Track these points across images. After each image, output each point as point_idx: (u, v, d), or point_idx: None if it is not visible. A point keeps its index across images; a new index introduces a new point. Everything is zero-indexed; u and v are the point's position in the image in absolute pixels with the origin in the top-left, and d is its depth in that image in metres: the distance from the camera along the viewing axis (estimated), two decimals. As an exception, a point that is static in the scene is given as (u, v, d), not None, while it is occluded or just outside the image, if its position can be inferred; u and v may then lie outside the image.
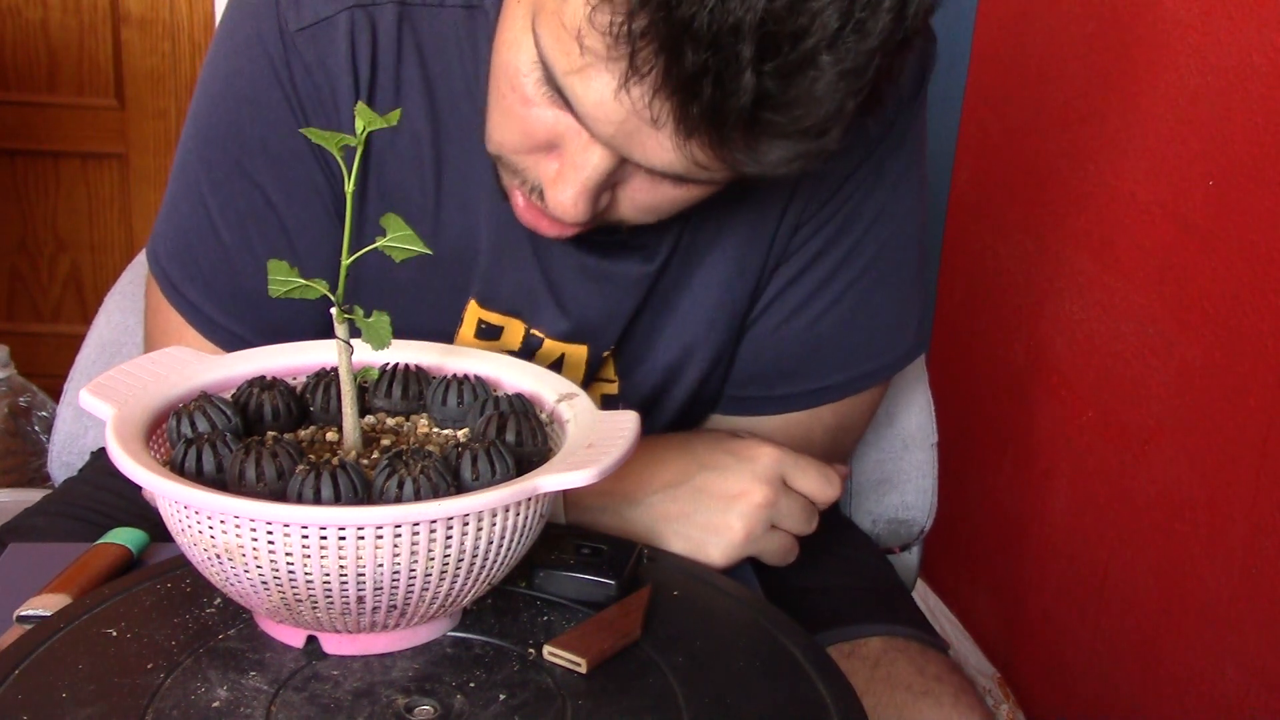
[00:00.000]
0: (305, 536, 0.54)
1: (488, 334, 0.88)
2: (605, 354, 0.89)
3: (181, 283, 0.87)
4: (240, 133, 0.84)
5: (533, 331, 0.88)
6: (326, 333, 0.78)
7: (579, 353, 0.89)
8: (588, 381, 0.91)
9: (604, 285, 0.86)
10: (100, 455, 1.08)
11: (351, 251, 0.61)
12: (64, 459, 1.11)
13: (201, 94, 0.87)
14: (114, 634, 0.62)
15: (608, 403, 0.92)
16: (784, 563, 0.85)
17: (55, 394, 1.30)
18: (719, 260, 0.89)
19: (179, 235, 0.87)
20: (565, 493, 0.80)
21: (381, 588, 0.56)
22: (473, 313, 0.87)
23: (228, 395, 0.66)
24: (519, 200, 0.76)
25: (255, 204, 0.84)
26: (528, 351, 0.88)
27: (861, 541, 1.09)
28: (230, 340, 0.85)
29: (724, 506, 0.81)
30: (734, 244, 0.89)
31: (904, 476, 1.13)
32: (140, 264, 1.24)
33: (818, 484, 0.84)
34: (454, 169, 0.83)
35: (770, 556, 0.84)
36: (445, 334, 0.87)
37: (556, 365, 0.89)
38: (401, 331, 0.73)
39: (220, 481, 0.58)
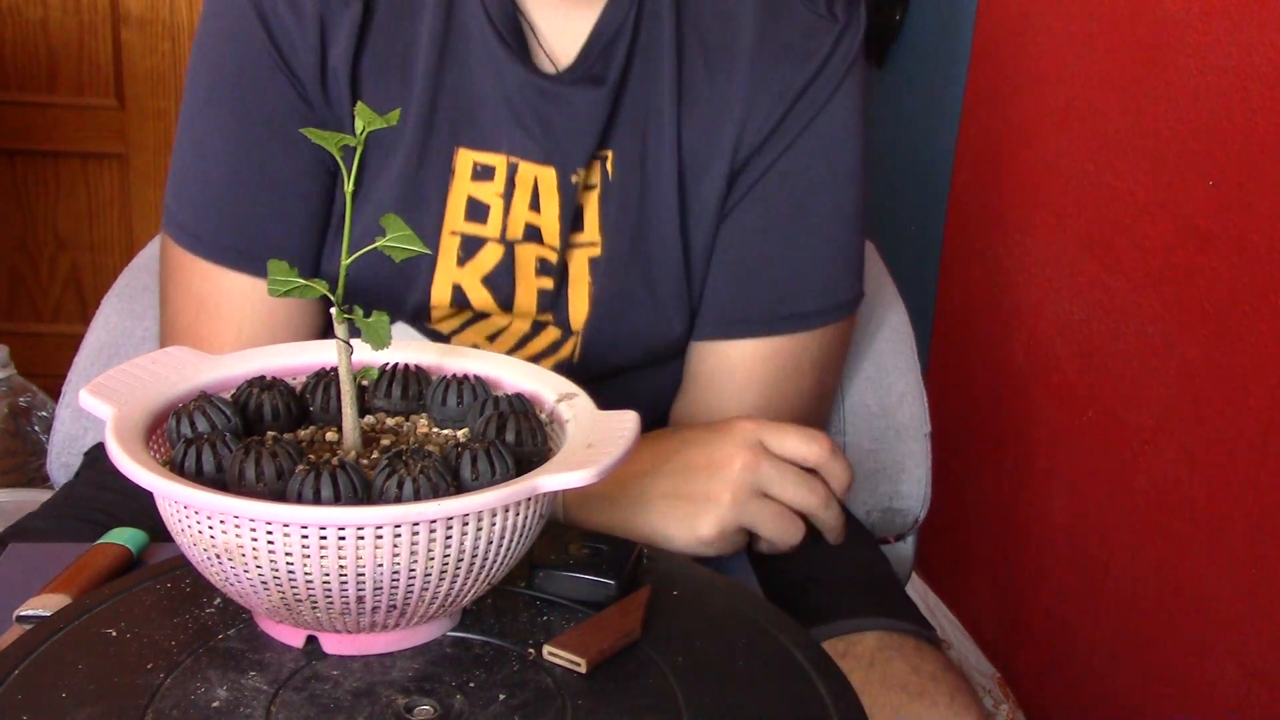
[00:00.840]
0: (305, 536, 0.54)
1: (482, 175, 0.96)
2: (574, 178, 0.96)
3: (185, 216, 0.96)
4: (219, 62, 0.95)
5: (510, 159, 0.96)
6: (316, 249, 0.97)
7: (549, 176, 0.96)
8: (567, 230, 0.97)
9: (562, 107, 0.95)
10: (96, 456, 1.08)
11: (351, 253, 0.61)
12: (63, 460, 1.11)
13: (192, 54, 0.98)
14: (114, 634, 0.62)
15: (593, 265, 0.99)
16: (785, 541, 0.86)
17: (55, 394, 1.30)
18: (682, 143, 0.98)
19: (177, 176, 0.97)
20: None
21: (381, 588, 0.56)
22: (465, 159, 0.96)
23: (227, 395, 0.66)
24: None
25: (234, 119, 0.95)
26: (510, 182, 0.97)
27: (856, 532, 1.09)
28: (244, 261, 0.95)
29: (708, 476, 0.84)
30: (697, 130, 0.98)
31: (898, 466, 1.14)
32: (137, 266, 1.25)
33: (799, 444, 0.86)
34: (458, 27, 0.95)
35: (766, 528, 0.85)
36: (440, 188, 0.96)
37: (511, 185, 0.97)
38: (406, 199, 0.93)
39: (220, 481, 0.58)
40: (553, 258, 0.97)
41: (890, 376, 1.17)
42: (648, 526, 0.83)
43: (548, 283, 0.98)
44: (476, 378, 0.68)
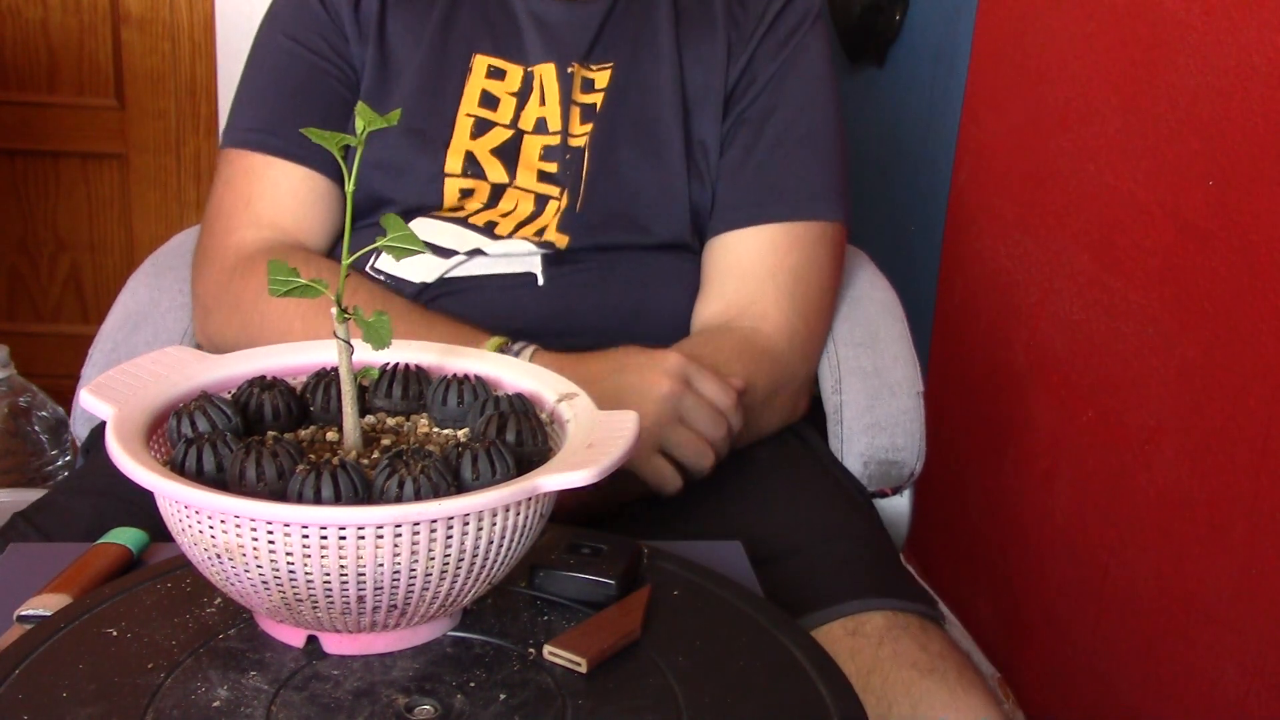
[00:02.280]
0: (305, 536, 0.54)
1: (495, 75, 1.14)
2: (569, 69, 1.14)
3: (238, 116, 1.15)
4: (277, 10, 1.17)
5: (525, 69, 1.14)
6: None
7: (550, 71, 1.14)
8: (567, 113, 1.14)
9: (560, 16, 1.15)
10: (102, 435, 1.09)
11: (352, 251, 0.61)
12: (88, 417, 1.16)
13: None
14: (114, 634, 0.62)
15: (593, 136, 1.13)
16: (698, 467, 0.97)
17: (55, 394, 1.30)
18: (682, 54, 1.15)
19: (240, 89, 1.17)
20: None
21: (381, 588, 0.56)
22: (480, 62, 1.14)
23: (228, 395, 0.66)
24: None
25: (276, 44, 1.15)
26: (526, 85, 1.14)
27: (851, 500, 1.10)
28: (284, 146, 1.12)
29: (637, 398, 0.94)
30: (693, 47, 1.15)
31: (893, 420, 1.19)
32: (165, 251, 1.28)
33: (716, 389, 0.97)
34: None
35: (682, 450, 0.96)
36: (456, 87, 1.14)
37: (528, 88, 1.14)
38: (426, 88, 1.14)
39: (220, 481, 0.58)
40: (556, 141, 1.13)
41: (883, 343, 1.23)
42: None
43: (551, 166, 1.12)
44: (477, 378, 0.68)
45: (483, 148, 1.13)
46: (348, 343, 0.61)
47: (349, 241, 0.61)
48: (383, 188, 1.11)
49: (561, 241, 1.10)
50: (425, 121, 1.12)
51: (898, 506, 1.23)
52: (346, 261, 0.61)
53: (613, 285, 1.12)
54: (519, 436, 0.63)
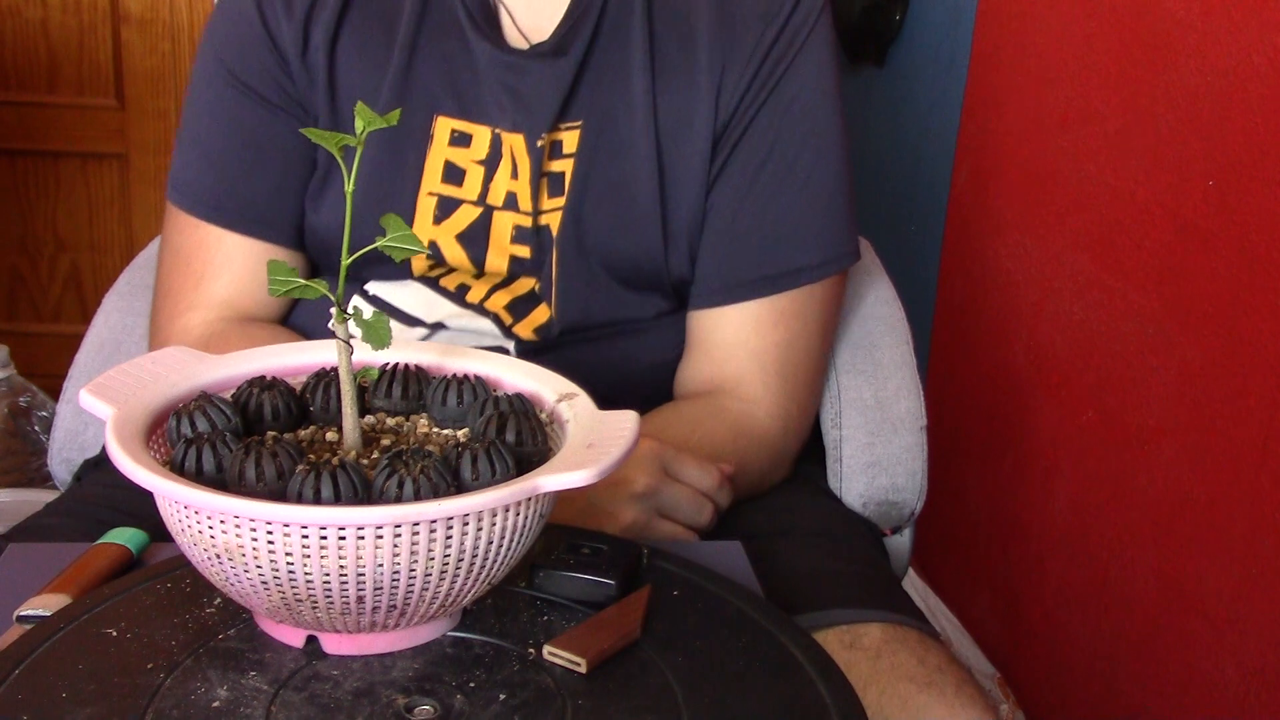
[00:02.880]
0: (305, 536, 0.54)
1: (459, 141, 1.02)
2: (539, 143, 1.01)
3: (182, 175, 1.05)
4: (215, 35, 1.06)
5: (494, 130, 1.02)
6: (300, 200, 1.05)
7: (519, 143, 1.01)
8: (537, 192, 1.01)
9: (525, 78, 1.01)
10: (103, 457, 1.08)
11: (351, 253, 0.61)
12: (64, 456, 1.12)
13: (206, 25, 1.08)
14: (114, 634, 0.62)
15: (562, 227, 1.02)
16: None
17: (55, 394, 1.30)
18: (658, 110, 1.02)
19: (182, 139, 1.06)
20: None
21: (381, 588, 0.56)
22: (443, 126, 1.02)
23: (228, 395, 0.66)
24: None
25: (219, 88, 1.04)
26: (494, 152, 1.02)
27: (856, 527, 1.09)
28: (229, 216, 1.03)
29: (611, 494, 0.88)
30: (672, 98, 1.02)
31: (894, 459, 1.14)
32: (139, 265, 1.25)
33: (697, 473, 0.92)
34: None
35: (665, 540, 0.89)
36: (417, 160, 1.02)
37: (496, 155, 1.02)
38: (385, 161, 1.01)
39: (220, 481, 0.58)
40: (527, 223, 1.01)
41: (886, 371, 1.17)
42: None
43: (523, 250, 1.02)
44: (476, 378, 0.68)
45: (447, 234, 1.02)
46: (347, 343, 0.61)
47: (348, 242, 0.61)
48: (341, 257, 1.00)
49: (532, 335, 1.04)
50: (381, 203, 1.01)
51: (897, 545, 1.18)
52: (346, 262, 0.61)
53: (592, 361, 1.04)
54: (519, 436, 0.63)
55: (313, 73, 1.03)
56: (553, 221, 1.02)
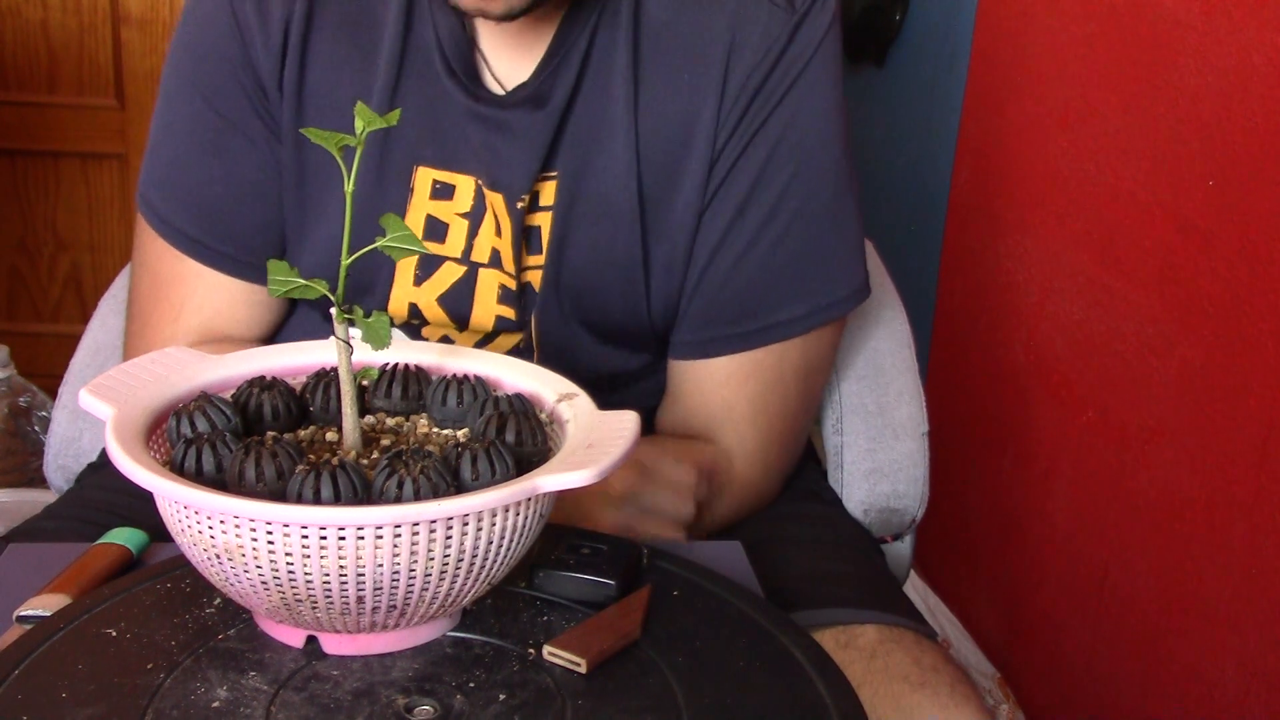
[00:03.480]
0: (305, 536, 0.54)
1: (442, 193, 0.96)
2: (520, 204, 0.94)
3: (151, 194, 1.00)
4: (193, 45, 0.99)
5: (477, 180, 0.95)
6: (278, 237, 1.00)
7: (499, 201, 0.94)
8: (519, 254, 0.95)
9: (503, 132, 0.94)
10: (104, 461, 1.08)
11: (351, 252, 0.61)
12: (60, 462, 1.11)
13: (174, 34, 1.02)
14: (114, 634, 0.62)
15: (542, 286, 0.97)
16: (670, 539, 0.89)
17: (55, 394, 1.30)
18: (641, 160, 0.94)
19: (150, 152, 1.01)
20: None
21: (381, 588, 0.56)
22: (424, 176, 0.95)
23: (228, 395, 0.66)
24: None
25: (200, 105, 0.98)
26: (479, 203, 0.96)
27: (856, 532, 1.09)
28: (197, 249, 0.98)
29: (590, 499, 0.86)
30: (658, 145, 0.94)
31: (895, 466, 1.13)
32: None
33: (674, 469, 0.91)
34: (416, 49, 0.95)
35: (651, 536, 0.88)
36: (398, 206, 0.96)
37: (480, 207, 0.96)
38: (363, 215, 0.92)
39: (220, 481, 0.58)
40: (511, 284, 0.96)
41: (888, 376, 1.16)
42: None
43: (509, 311, 0.97)
44: (476, 378, 0.68)
45: (428, 296, 0.97)
46: (347, 343, 0.61)
47: (348, 242, 0.61)
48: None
49: None
50: (357, 263, 0.96)
51: (897, 552, 1.17)
52: (346, 263, 0.61)
53: None
54: (519, 436, 0.63)
55: (288, 93, 0.96)
56: (534, 279, 0.97)
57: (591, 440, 0.61)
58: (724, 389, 0.98)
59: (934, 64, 1.98)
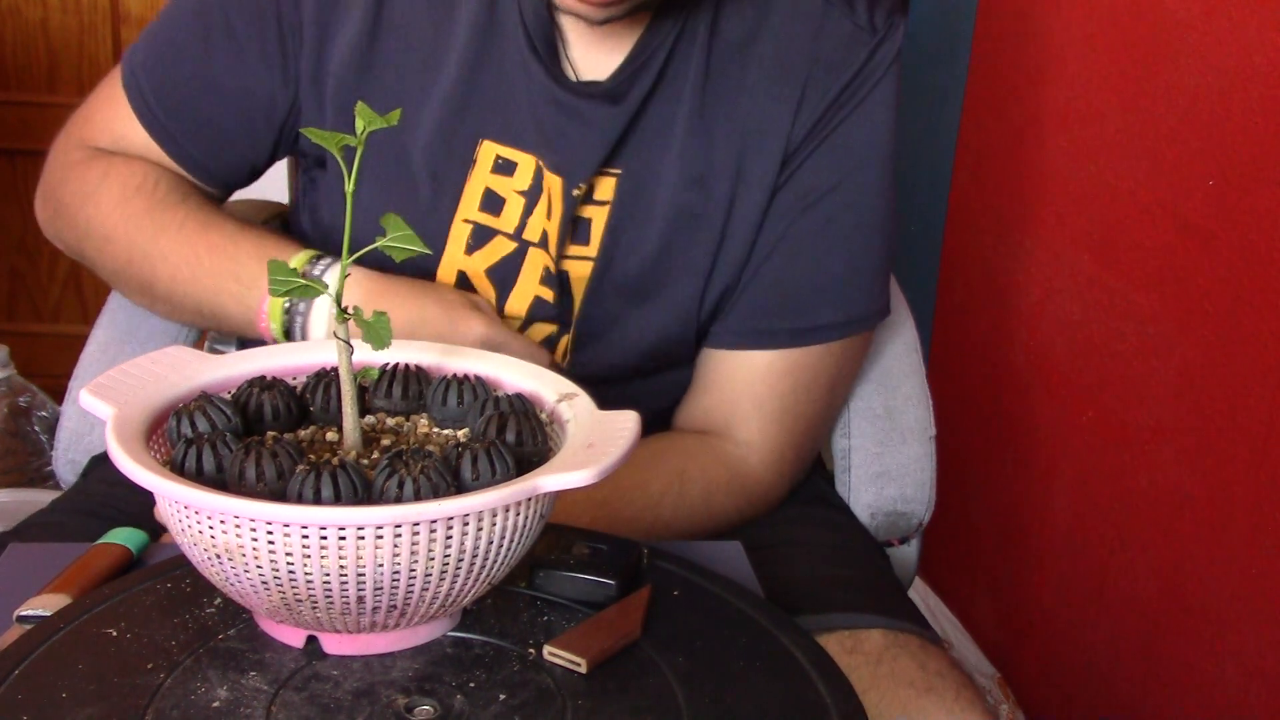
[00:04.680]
0: (305, 536, 0.54)
1: (503, 169, 0.97)
2: (576, 192, 0.96)
3: (139, 68, 1.03)
4: None
5: (538, 161, 0.97)
6: (250, 149, 1.04)
7: (558, 185, 0.96)
8: (563, 240, 0.97)
9: (574, 120, 0.95)
10: (104, 458, 1.08)
11: (352, 252, 0.61)
12: (69, 457, 1.12)
13: None
14: (114, 634, 0.62)
15: (590, 280, 0.99)
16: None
17: (55, 394, 1.30)
18: (698, 169, 0.97)
19: (152, 28, 1.04)
20: None
21: (381, 588, 0.56)
22: (488, 150, 0.97)
23: (228, 395, 0.66)
24: None
25: (210, 9, 0.99)
26: (536, 184, 0.97)
27: (861, 536, 1.09)
28: (149, 119, 1.02)
29: (451, 332, 0.89)
30: (721, 153, 0.97)
31: (902, 469, 1.14)
32: None
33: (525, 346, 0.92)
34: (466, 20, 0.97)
35: None
36: (457, 182, 0.98)
37: (538, 188, 0.97)
38: (427, 179, 0.97)
39: (220, 481, 0.58)
40: (553, 267, 0.98)
41: (895, 380, 1.16)
42: None
43: (548, 293, 0.99)
44: (477, 378, 0.68)
45: (478, 265, 0.99)
46: (348, 343, 0.61)
47: (348, 242, 0.61)
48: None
49: None
50: (420, 222, 0.94)
51: (903, 556, 1.18)
52: (346, 262, 0.61)
53: (603, 397, 1.00)
54: (519, 436, 0.63)
55: (349, 64, 0.97)
56: (572, 269, 0.99)
57: (591, 440, 0.61)
58: (759, 384, 1.01)
59: (934, 64, 1.98)
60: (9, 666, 0.59)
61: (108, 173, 1.01)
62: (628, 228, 0.97)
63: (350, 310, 0.60)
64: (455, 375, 0.68)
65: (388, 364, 0.69)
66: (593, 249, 0.98)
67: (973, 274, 1.84)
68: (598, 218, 0.98)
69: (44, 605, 0.68)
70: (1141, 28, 1.39)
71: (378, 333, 0.60)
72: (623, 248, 0.98)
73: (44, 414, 1.88)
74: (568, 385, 0.68)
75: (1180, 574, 1.32)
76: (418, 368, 0.69)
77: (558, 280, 0.98)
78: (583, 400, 0.66)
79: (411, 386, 0.68)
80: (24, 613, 0.68)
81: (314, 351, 0.71)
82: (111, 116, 1.06)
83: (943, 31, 1.97)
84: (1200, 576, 1.29)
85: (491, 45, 0.96)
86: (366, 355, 0.67)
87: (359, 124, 0.60)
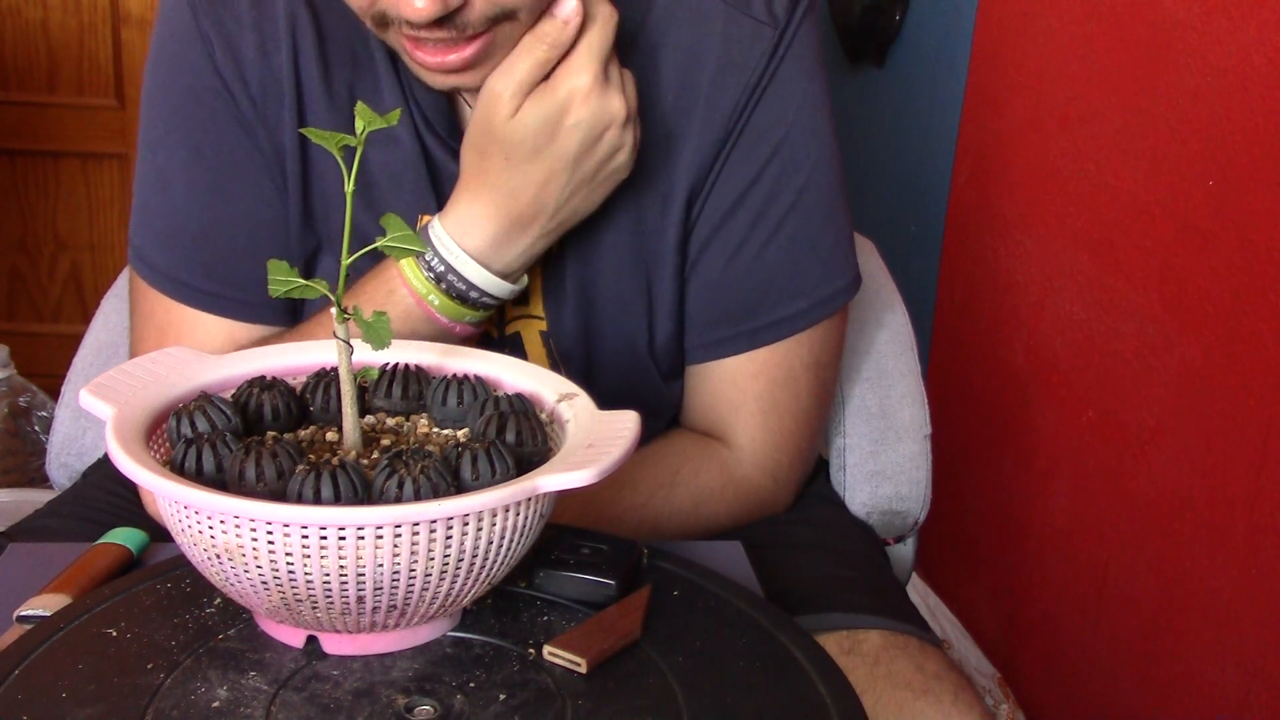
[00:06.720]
0: (305, 536, 0.54)
1: None
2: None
3: (148, 251, 0.94)
4: (171, 89, 0.95)
5: None
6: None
7: None
8: (518, 310, 0.96)
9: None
10: (106, 460, 1.08)
11: (351, 252, 0.61)
12: (62, 460, 1.11)
13: (145, 80, 0.98)
14: (114, 634, 0.62)
15: (543, 337, 0.98)
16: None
17: (55, 394, 1.30)
18: (627, 201, 0.93)
19: (140, 208, 0.95)
20: None
21: (381, 588, 0.56)
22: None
23: (228, 395, 0.66)
24: (405, 44, 0.83)
25: (190, 150, 0.93)
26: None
27: (860, 537, 1.09)
28: (206, 300, 0.93)
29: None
30: (640, 183, 0.93)
31: (898, 468, 1.13)
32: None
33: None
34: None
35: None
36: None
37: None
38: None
39: (220, 481, 0.58)
40: (494, 333, 0.96)
41: (890, 378, 1.16)
42: None
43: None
44: (477, 378, 0.68)
45: None
46: (348, 343, 0.61)
47: (348, 241, 0.61)
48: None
49: None
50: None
51: (900, 554, 1.17)
52: (346, 262, 0.61)
53: None
54: (519, 436, 0.63)
55: (286, 137, 0.92)
56: (522, 329, 0.97)
57: (591, 440, 0.61)
58: (731, 389, 0.99)
59: (934, 64, 1.98)
60: (9, 666, 0.59)
61: None
62: (566, 279, 0.95)
63: (350, 310, 0.60)
64: (455, 375, 0.68)
65: (388, 364, 0.69)
66: (534, 307, 0.96)
67: (973, 274, 1.84)
68: (534, 274, 0.95)
69: (44, 605, 0.68)
70: (1141, 28, 1.39)
71: (378, 333, 0.60)
72: (570, 299, 0.95)
73: (44, 414, 1.88)
74: (568, 385, 0.68)
75: (1180, 574, 1.32)
76: (418, 368, 0.69)
77: (501, 348, 0.95)
78: (583, 400, 0.66)
79: (411, 386, 0.68)
80: (24, 613, 0.68)
81: (314, 351, 0.71)
82: (179, 333, 0.95)
83: (943, 31, 1.97)
84: (1200, 576, 1.29)
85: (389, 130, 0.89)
86: (366, 355, 0.67)
87: (359, 124, 0.60)
